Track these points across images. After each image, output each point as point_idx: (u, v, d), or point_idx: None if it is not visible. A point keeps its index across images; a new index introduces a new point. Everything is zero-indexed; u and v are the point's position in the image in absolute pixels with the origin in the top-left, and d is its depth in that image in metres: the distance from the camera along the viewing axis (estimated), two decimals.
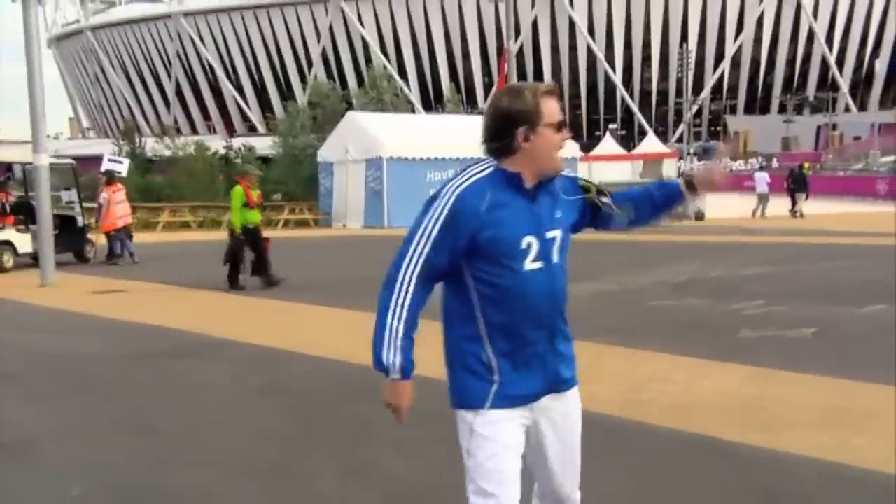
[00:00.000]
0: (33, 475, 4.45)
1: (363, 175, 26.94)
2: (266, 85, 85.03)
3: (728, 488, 4.00)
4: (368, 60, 76.56)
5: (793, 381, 5.95)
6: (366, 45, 79.92)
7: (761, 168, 33.36)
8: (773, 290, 10.45)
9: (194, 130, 70.45)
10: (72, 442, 5.02)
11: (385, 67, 57.37)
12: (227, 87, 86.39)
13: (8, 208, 15.67)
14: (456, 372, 2.41)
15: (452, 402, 2.43)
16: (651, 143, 47.69)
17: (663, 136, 68.43)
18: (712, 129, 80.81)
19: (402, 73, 76.20)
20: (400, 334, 2.32)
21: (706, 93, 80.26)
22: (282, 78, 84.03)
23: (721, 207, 25.83)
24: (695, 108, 76.73)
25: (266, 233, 12.62)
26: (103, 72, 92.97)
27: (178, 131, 57.53)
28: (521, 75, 76.48)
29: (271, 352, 7.46)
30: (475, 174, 2.38)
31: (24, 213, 15.53)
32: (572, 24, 78.79)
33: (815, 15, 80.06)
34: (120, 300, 11.42)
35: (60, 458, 4.71)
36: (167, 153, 33.82)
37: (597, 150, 45.25)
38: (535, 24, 78.06)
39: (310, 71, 79.96)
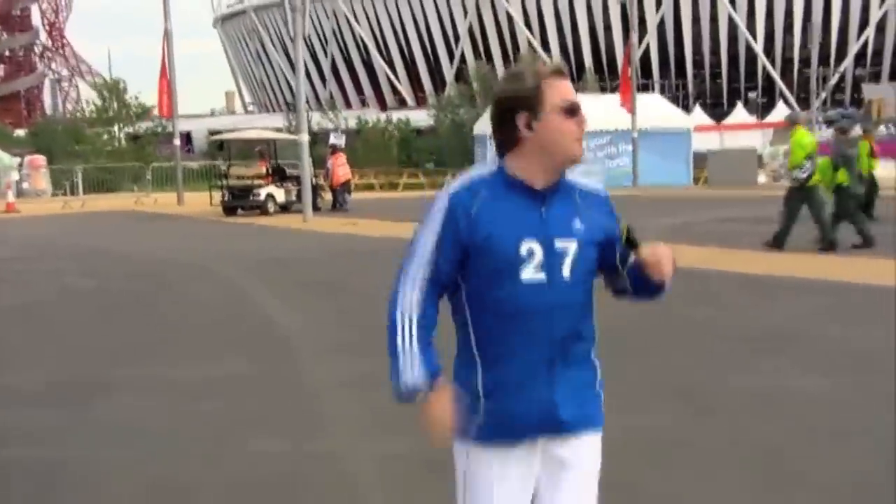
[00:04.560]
0: None
1: None
2: (416, 60, 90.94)
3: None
4: (512, 33, 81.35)
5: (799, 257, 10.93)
6: (510, 20, 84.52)
7: None
8: None
9: (348, 104, 76.97)
10: None
11: (529, 42, 62.02)
12: (380, 63, 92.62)
13: (269, 171, 21.84)
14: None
15: None
16: (783, 112, 50.36)
17: (805, 102, 69.87)
18: (855, 95, 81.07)
19: (546, 46, 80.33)
20: (415, 348, 2.02)
21: (849, 60, 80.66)
22: (430, 53, 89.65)
23: None
24: (837, 75, 77.60)
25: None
26: (264, 49, 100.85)
27: (334, 105, 63.87)
28: (662, 46, 79.57)
29: None
30: (473, 174, 2.13)
31: (278, 175, 21.76)
32: None
33: None
34: (360, 227, 17.05)
35: None
36: (330, 126, 39.17)
37: (728, 120, 48.60)
38: None
39: (457, 46, 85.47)
